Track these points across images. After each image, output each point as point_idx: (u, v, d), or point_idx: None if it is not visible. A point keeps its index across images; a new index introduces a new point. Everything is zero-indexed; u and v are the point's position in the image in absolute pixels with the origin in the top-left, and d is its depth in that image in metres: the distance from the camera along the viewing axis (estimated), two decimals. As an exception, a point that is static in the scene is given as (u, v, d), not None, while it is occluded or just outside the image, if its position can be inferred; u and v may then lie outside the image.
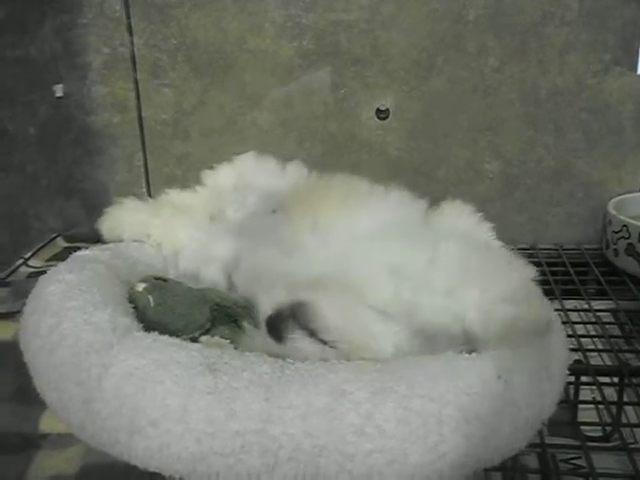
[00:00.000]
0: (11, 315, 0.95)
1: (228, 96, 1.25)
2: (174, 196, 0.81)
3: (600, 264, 1.12)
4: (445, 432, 0.46)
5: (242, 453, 0.46)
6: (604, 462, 0.69)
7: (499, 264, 0.59)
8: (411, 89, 1.21)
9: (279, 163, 0.82)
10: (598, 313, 0.97)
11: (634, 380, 0.77)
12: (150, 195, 1.28)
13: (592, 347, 0.90)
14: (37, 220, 1.30)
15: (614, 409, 0.76)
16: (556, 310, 0.67)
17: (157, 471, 0.48)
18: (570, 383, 0.75)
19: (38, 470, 0.72)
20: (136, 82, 1.25)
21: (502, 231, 0.71)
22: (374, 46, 1.20)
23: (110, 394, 0.49)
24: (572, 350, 0.82)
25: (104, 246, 0.73)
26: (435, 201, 0.73)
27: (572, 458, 0.72)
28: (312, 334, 0.54)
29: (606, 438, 0.74)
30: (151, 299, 0.61)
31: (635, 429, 0.77)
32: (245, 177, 0.81)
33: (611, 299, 1.00)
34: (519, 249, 1.15)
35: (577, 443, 0.71)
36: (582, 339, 0.89)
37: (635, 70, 1.15)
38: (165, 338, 0.53)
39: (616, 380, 0.78)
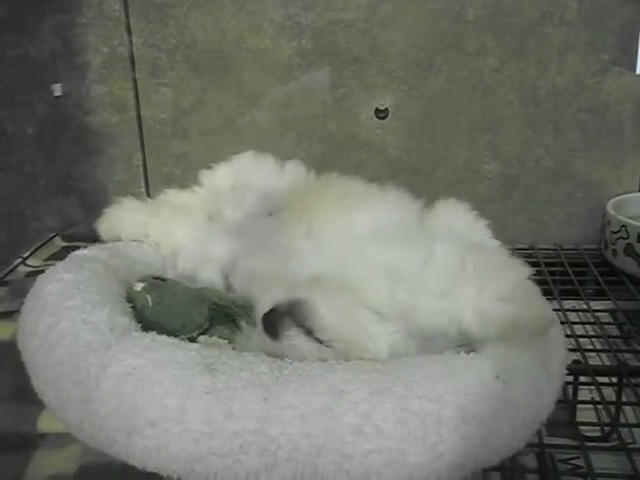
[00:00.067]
0: (9, 314, 0.95)
1: (227, 95, 1.24)
2: (172, 196, 0.81)
3: (599, 264, 1.12)
4: (443, 432, 0.46)
5: (240, 453, 0.46)
6: (602, 462, 0.69)
7: (495, 264, 0.59)
8: (410, 89, 1.21)
9: (278, 162, 0.82)
10: (597, 313, 0.97)
11: (633, 380, 0.77)
12: (149, 195, 1.28)
13: (591, 347, 0.90)
14: (35, 219, 1.30)
15: (613, 409, 0.76)
16: (555, 310, 0.67)
17: (155, 471, 0.48)
18: (569, 383, 0.75)
19: (36, 470, 0.71)
20: (135, 81, 1.25)
21: (501, 231, 0.71)
22: (373, 46, 1.20)
23: (108, 394, 0.49)
24: (571, 350, 0.82)
25: (102, 245, 0.73)
26: (433, 201, 0.73)
27: (571, 458, 0.72)
28: (308, 332, 0.54)
29: (605, 438, 0.74)
30: (149, 298, 0.61)
31: (634, 429, 0.77)
32: (243, 177, 0.81)
33: (610, 299, 1.00)
34: (518, 249, 1.16)
35: (576, 443, 0.71)
36: (581, 339, 0.89)
37: (634, 70, 1.15)
38: (163, 338, 0.53)
39: (615, 380, 0.78)
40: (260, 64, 1.22)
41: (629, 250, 1.07)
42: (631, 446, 0.73)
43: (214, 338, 0.61)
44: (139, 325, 0.56)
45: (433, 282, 0.55)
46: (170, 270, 0.74)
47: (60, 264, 0.64)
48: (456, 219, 0.71)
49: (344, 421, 0.46)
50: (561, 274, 1.09)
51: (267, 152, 0.83)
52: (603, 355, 0.90)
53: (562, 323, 0.67)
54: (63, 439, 0.73)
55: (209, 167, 0.83)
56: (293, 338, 0.54)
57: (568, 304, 1.00)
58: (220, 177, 0.82)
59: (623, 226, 1.08)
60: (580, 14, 1.14)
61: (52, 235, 1.29)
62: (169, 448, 0.47)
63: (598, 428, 0.76)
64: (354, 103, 1.23)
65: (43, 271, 0.63)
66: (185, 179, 0.83)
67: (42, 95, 1.25)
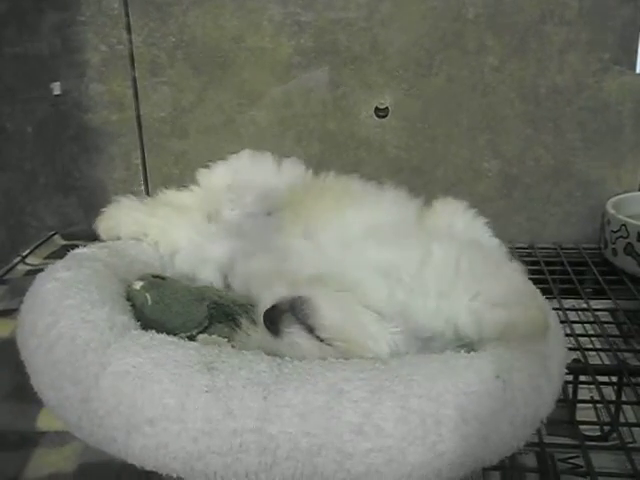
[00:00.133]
0: (8, 313, 0.95)
1: (226, 94, 1.24)
2: (170, 196, 0.81)
3: (599, 263, 1.12)
4: (443, 432, 0.46)
5: (240, 452, 0.46)
6: (602, 461, 0.69)
7: (491, 265, 0.59)
8: (410, 87, 1.21)
9: (276, 160, 0.82)
10: (597, 312, 0.96)
11: (632, 379, 0.77)
12: (148, 193, 1.28)
13: (590, 346, 0.90)
14: (35, 218, 1.30)
15: (612, 408, 0.76)
16: (554, 309, 0.67)
17: (154, 470, 0.48)
18: (568, 382, 0.75)
19: (36, 468, 0.71)
20: (134, 80, 1.25)
21: (501, 230, 0.71)
22: (373, 44, 1.20)
23: (107, 392, 0.49)
24: (570, 349, 0.82)
25: (102, 244, 0.73)
26: (433, 200, 0.73)
27: (570, 457, 0.72)
28: (309, 330, 0.54)
29: (604, 437, 0.74)
30: (149, 297, 0.61)
31: (633, 428, 0.77)
32: (240, 176, 0.81)
33: (610, 298, 1.00)
34: (517, 248, 1.16)
35: (575, 442, 0.71)
36: (580, 338, 0.89)
37: (634, 69, 1.15)
38: (163, 336, 0.53)
39: (614, 379, 0.78)
40: (260, 62, 1.22)
41: (629, 249, 1.07)
42: (631, 445, 0.73)
43: (213, 337, 0.61)
44: (138, 324, 0.56)
45: (430, 282, 0.55)
46: (169, 269, 0.74)
47: (59, 263, 0.64)
48: (456, 217, 0.71)
49: (344, 420, 0.45)
50: (561, 273, 1.09)
51: (266, 151, 0.83)
52: (603, 354, 0.90)
53: (562, 322, 0.67)
54: (62, 437, 0.73)
55: (207, 166, 0.83)
56: (294, 335, 0.54)
57: (568, 303, 1.00)
58: (217, 176, 0.82)
59: (623, 225, 1.08)
60: (581, 13, 1.14)
61: (51, 233, 1.29)
62: (168, 447, 0.47)
63: (598, 427, 0.76)
64: (354, 102, 1.23)
65: (42, 269, 0.63)
66: (184, 177, 0.83)
67: (41, 93, 1.25)
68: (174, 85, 1.25)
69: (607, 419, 0.76)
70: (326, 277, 0.58)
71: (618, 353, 0.86)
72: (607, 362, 0.88)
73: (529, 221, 1.25)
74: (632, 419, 0.78)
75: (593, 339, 0.93)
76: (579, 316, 0.99)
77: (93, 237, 0.76)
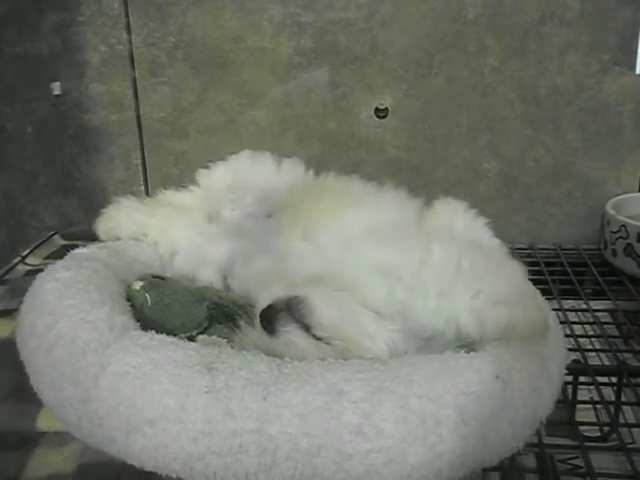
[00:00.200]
0: (8, 313, 0.95)
1: (226, 94, 1.24)
2: (170, 196, 0.81)
3: (598, 264, 1.12)
4: (443, 432, 0.46)
5: (239, 452, 0.46)
6: (602, 462, 0.69)
7: (492, 265, 0.59)
8: (410, 88, 1.21)
9: (276, 160, 0.82)
10: (596, 313, 0.96)
11: (632, 380, 0.77)
12: (148, 193, 1.28)
13: (590, 347, 0.90)
14: (34, 218, 1.30)
15: (612, 409, 0.76)
16: (554, 310, 0.67)
17: (154, 470, 0.48)
18: (568, 383, 0.74)
19: (35, 468, 0.71)
20: (134, 80, 1.25)
21: (501, 231, 0.71)
22: (373, 45, 1.20)
23: (107, 393, 0.49)
24: (570, 350, 0.82)
25: (101, 244, 0.73)
26: (433, 200, 0.73)
27: (570, 458, 0.71)
28: (306, 329, 0.54)
29: (604, 438, 0.74)
30: (148, 297, 0.61)
31: (633, 429, 0.77)
32: (240, 176, 0.81)
33: (609, 299, 1.00)
34: (517, 249, 1.16)
35: (575, 443, 0.71)
36: (580, 339, 0.88)
37: (634, 70, 1.15)
38: (162, 337, 0.53)
39: (614, 380, 0.78)
40: (260, 63, 1.22)
41: (629, 250, 1.07)
42: (630, 446, 0.73)
43: (213, 337, 0.61)
44: (138, 324, 0.56)
45: (430, 282, 0.55)
46: (169, 269, 0.74)
47: (59, 263, 0.64)
48: (456, 218, 0.71)
49: (343, 420, 0.45)
50: (560, 274, 1.09)
51: (266, 151, 0.83)
52: (602, 355, 0.90)
53: (561, 323, 0.67)
54: (62, 438, 0.73)
55: (206, 166, 0.83)
56: (290, 334, 0.54)
57: (568, 304, 1.00)
58: (217, 177, 0.82)
59: (623, 226, 1.08)
60: (581, 14, 1.14)
61: (51, 233, 1.29)
62: (168, 447, 0.47)
63: (597, 428, 0.76)
64: (354, 102, 1.23)
65: (42, 270, 0.63)
66: (184, 178, 0.83)
67: (41, 93, 1.25)
68: (174, 85, 1.25)
69: (607, 420, 0.76)
70: (325, 277, 0.58)
71: (618, 354, 0.86)
72: (607, 363, 0.88)
73: (529, 222, 1.25)
74: (632, 420, 0.78)
75: (593, 340, 0.93)
76: (579, 317, 0.99)
77: (93, 237, 0.76)
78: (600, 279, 1.05)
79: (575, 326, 0.93)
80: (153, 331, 0.54)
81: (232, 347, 0.57)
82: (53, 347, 0.53)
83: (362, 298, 0.56)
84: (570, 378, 0.75)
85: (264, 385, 0.47)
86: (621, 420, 0.76)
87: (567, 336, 0.82)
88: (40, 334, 0.54)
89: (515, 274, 0.60)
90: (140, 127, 1.27)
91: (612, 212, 1.12)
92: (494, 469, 0.65)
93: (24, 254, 1.20)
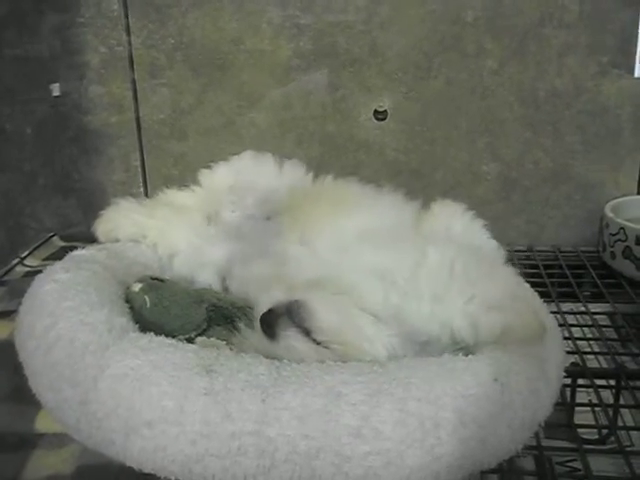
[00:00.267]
0: (7, 314, 0.95)
1: (226, 96, 1.24)
2: (171, 196, 0.81)
3: (597, 267, 1.12)
4: (442, 435, 0.46)
5: (238, 455, 0.46)
6: (600, 465, 0.69)
7: (487, 269, 0.59)
8: (409, 90, 1.21)
9: (277, 161, 0.82)
10: (595, 316, 0.96)
11: (631, 383, 0.77)
12: (147, 195, 1.28)
13: (589, 350, 0.90)
14: (34, 219, 1.30)
15: (610, 412, 0.76)
16: (553, 312, 0.67)
17: (152, 472, 0.48)
18: (566, 385, 0.75)
19: (34, 470, 0.71)
20: (134, 82, 1.25)
21: (499, 233, 0.71)
22: (372, 47, 1.20)
23: (106, 395, 0.49)
24: (568, 352, 0.81)
25: (100, 246, 0.73)
26: (431, 202, 0.73)
27: (568, 461, 0.72)
28: (306, 333, 0.54)
29: (602, 441, 0.74)
30: (147, 299, 0.61)
31: (631, 432, 0.77)
32: (242, 177, 0.81)
33: (608, 302, 1.00)
34: (516, 251, 1.16)
35: (573, 446, 0.71)
36: (579, 342, 0.89)
37: (633, 73, 1.15)
38: (161, 339, 0.53)
39: (612, 383, 0.78)
40: (259, 65, 1.22)
41: (627, 253, 1.07)
42: (629, 449, 0.73)
43: (212, 339, 0.61)
44: (137, 326, 0.56)
45: (424, 286, 0.55)
46: (168, 271, 0.74)
47: (58, 264, 0.64)
48: (453, 220, 0.71)
49: (342, 423, 0.46)
50: (559, 276, 1.09)
51: (266, 153, 0.83)
52: (601, 358, 0.90)
53: (560, 325, 0.66)
54: (61, 439, 0.73)
55: (208, 167, 0.83)
56: (290, 339, 0.54)
57: (566, 306, 1.00)
58: (219, 177, 0.82)
59: (621, 229, 1.08)
60: (580, 16, 1.14)
61: (50, 235, 1.29)
62: (166, 449, 0.47)
63: (596, 431, 0.76)
64: (353, 104, 1.23)
65: (41, 271, 0.63)
66: (184, 179, 0.83)
67: (41, 95, 1.25)
68: (173, 87, 1.25)
69: (605, 422, 0.76)
70: (323, 281, 0.58)
71: (616, 356, 0.86)
72: (605, 365, 0.88)
73: (528, 224, 1.25)
74: (630, 422, 0.78)
75: (591, 342, 0.93)
76: (577, 319, 0.99)
77: (92, 239, 0.76)
78: (599, 282, 1.05)
79: (573, 329, 0.93)
80: (152, 333, 0.54)
81: (231, 349, 0.57)
82: (52, 348, 0.53)
83: (360, 302, 0.56)
84: (568, 381, 0.75)
85: (263, 387, 0.47)
86: (619, 423, 0.76)
87: (565, 339, 0.82)
88: (39, 335, 0.54)
89: (509, 277, 0.60)
90: (139, 129, 1.27)
91: (611, 215, 1.12)
92: (492, 472, 0.65)
93: (23, 255, 1.20)
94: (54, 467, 0.71)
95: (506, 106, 1.20)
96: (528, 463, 0.71)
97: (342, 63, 1.21)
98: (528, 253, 1.19)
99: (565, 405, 0.75)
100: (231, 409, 0.46)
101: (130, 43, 1.23)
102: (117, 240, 0.75)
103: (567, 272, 1.09)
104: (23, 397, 0.56)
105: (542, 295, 0.67)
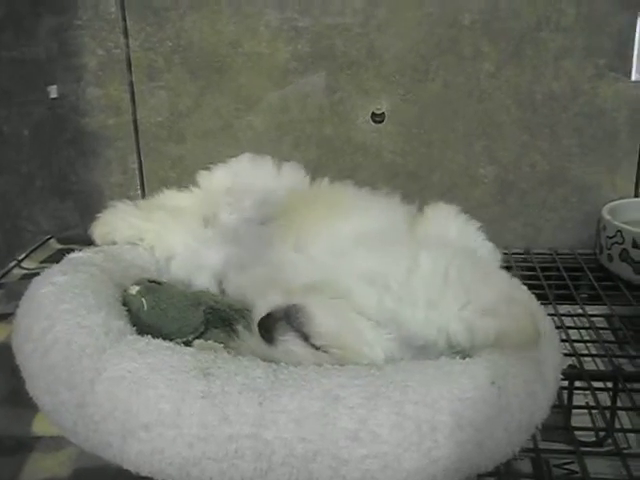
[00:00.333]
0: (4, 317, 0.95)
1: (223, 99, 1.24)
2: (169, 197, 0.81)
3: (594, 269, 1.12)
4: (439, 438, 0.46)
5: (235, 458, 0.46)
6: (597, 467, 0.69)
7: (481, 274, 0.59)
8: (406, 93, 1.21)
9: (275, 164, 0.82)
10: (592, 318, 0.96)
11: (628, 385, 0.77)
12: (144, 197, 1.28)
13: (586, 352, 0.90)
14: (31, 221, 1.30)
15: (608, 414, 0.76)
16: (550, 315, 0.67)
17: (150, 475, 0.48)
18: (564, 388, 0.75)
19: (31, 473, 0.71)
20: (131, 84, 1.25)
21: (496, 236, 0.71)
22: (369, 50, 1.20)
23: (103, 398, 0.49)
24: (566, 355, 0.81)
25: (98, 248, 0.73)
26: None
27: (565, 463, 0.72)
28: (304, 338, 0.54)
29: (599, 443, 0.74)
30: (145, 302, 0.61)
31: (629, 434, 0.77)
32: (240, 179, 0.81)
33: (605, 304, 1.00)
34: (513, 254, 1.16)
35: (571, 448, 0.71)
36: (576, 344, 0.89)
37: (629, 76, 1.15)
38: (158, 342, 0.53)
39: (610, 385, 0.78)
40: (257, 68, 1.22)
41: (624, 255, 1.07)
42: (626, 451, 0.73)
43: (209, 342, 0.61)
44: (134, 329, 0.56)
45: (419, 292, 0.55)
46: (165, 274, 0.74)
47: (55, 267, 0.64)
48: (448, 223, 0.71)
49: (339, 426, 0.46)
50: (556, 279, 1.09)
51: (263, 155, 0.83)
52: (598, 360, 0.90)
53: (557, 328, 0.66)
54: (58, 442, 0.73)
55: (207, 168, 0.83)
56: (289, 343, 0.54)
57: (563, 309, 1.00)
58: (218, 179, 0.82)
59: (618, 231, 1.08)
60: (577, 20, 1.15)
61: (47, 237, 1.29)
62: (164, 452, 0.47)
63: (593, 433, 0.76)
64: (350, 107, 1.23)
65: (38, 274, 0.63)
66: (181, 182, 0.83)
67: (38, 97, 1.25)
68: (171, 90, 1.25)
69: (602, 425, 0.76)
70: (320, 285, 0.58)
71: (613, 359, 0.86)
72: (602, 368, 0.88)
73: (525, 227, 1.25)
74: (627, 425, 0.78)
75: (588, 345, 0.93)
76: (574, 322, 0.99)
77: (89, 241, 0.76)
78: (596, 284, 1.05)
79: (571, 331, 0.93)
80: (149, 336, 0.54)
81: (228, 352, 0.57)
82: (49, 351, 0.53)
83: (356, 306, 0.56)
84: (566, 383, 0.75)
85: (260, 390, 0.47)
86: (617, 425, 0.76)
87: (563, 341, 0.82)
88: (36, 338, 0.54)
89: (504, 282, 0.60)
90: (137, 131, 1.27)
91: (608, 217, 1.12)
92: (490, 474, 0.65)
93: (20, 258, 1.20)
94: (51, 470, 0.71)
95: (503, 109, 1.20)
96: (525, 466, 0.71)
97: (340, 66, 1.21)
98: (525, 256, 1.19)
99: (562, 407, 0.75)
100: (228, 412, 0.46)
101: (128, 45, 1.23)
102: (114, 243, 0.75)
103: (564, 274, 1.09)
104: (20, 400, 0.56)
105: (539, 297, 0.68)
